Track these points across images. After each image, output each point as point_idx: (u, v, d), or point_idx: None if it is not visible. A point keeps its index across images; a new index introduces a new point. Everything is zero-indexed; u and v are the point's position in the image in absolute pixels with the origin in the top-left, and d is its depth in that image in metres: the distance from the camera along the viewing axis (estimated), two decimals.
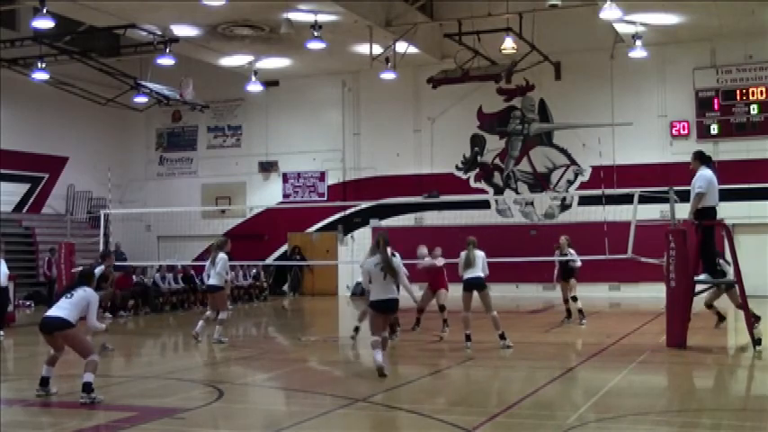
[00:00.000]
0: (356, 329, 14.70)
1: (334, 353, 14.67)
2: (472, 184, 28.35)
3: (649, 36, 24.51)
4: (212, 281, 14.87)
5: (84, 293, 9.58)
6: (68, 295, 9.54)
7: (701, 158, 13.18)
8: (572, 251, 16.56)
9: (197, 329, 14.73)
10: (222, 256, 14.90)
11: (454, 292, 14.56)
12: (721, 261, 13.99)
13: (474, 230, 25.37)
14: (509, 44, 23.36)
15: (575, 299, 16.64)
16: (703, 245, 12.99)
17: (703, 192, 12.72)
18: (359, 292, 27.88)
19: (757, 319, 13.00)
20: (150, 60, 25.60)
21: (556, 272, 16.90)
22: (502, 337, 13.36)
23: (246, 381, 11.39)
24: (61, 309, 9.41)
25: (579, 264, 16.55)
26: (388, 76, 25.63)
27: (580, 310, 16.68)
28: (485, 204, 27.18)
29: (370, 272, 10.88)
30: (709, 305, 15.20)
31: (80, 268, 15.98)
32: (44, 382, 9.55)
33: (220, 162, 31.28)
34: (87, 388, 9.13)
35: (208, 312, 15.09)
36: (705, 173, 12.90)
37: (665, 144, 26.22)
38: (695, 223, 12.88)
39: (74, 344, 9.47)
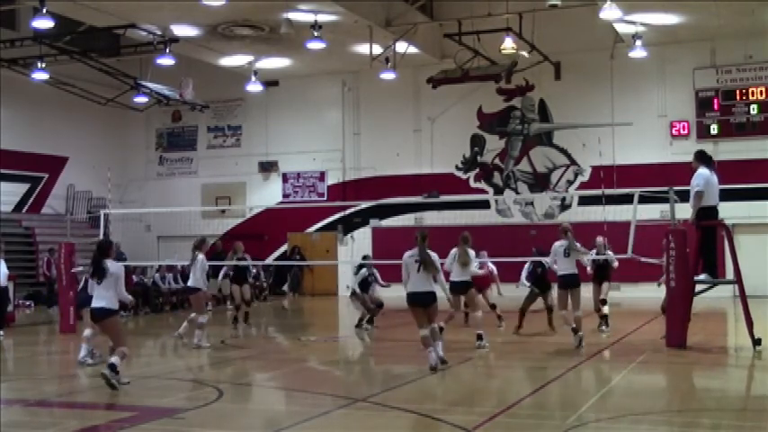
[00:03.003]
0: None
1: (334, 353, 14.67)
2: (472, 184, 28.35)
3: (649, 36, 24.51)
4: (190, 282, 14.68)
5: (110, 272, 10.06)
6: (98, 281, 10.07)
7: (702, 158, 13.19)
8: (610, 252, 16.13)
9: (195, 341, 14.36)
10: (201, 257, 14.67)
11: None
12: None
13: (474, 230, 25.44)
14: (509, 44, 23.36)
15: (603, 302, 16.03)
16: (703, 245, 13.00)
17: (701, 190, 12.73)
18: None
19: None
20: (150, 60, 25.60)
21: (589, 270, 15.80)
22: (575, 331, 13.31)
23: (246, 381, 11.39)
24: (100, 298, 10.06)
25: (616, 264, 15.89)
26: (388, 76, 25.63)
27: (605, 316, 15.98)
28: (485, 204, 27.17)
29: (406, 264, 11.23)
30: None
31: (79, 268, 16.07)
32: (112, 367, 9.88)
33: (220, 162, 31.29)
34: (113, 368, 9.68)
35: (192, 314, 14.86)
36: (703, 172, 12.93)
37: (665, 144, 26.23)
38: (695, 224, 12.89)
39: (111, 331, 10.18)
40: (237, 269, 18.33)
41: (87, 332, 12.16)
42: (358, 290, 16.98)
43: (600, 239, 16.35)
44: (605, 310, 15.99)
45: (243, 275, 18.52)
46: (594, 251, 15.89)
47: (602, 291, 16.04)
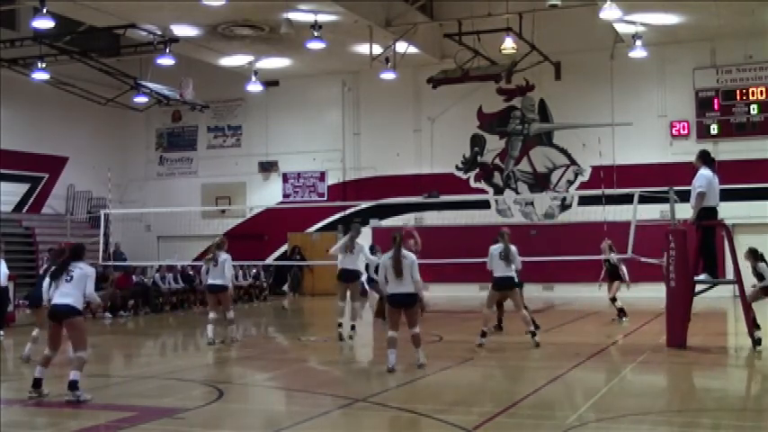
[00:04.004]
0: (352, 327, 14.81)
1: (334, 353, 14.65)
2: (472, 184, 28.35)
3: (649, 36, 24.51)
4: (218, 281, 14.71)
5: (82, 271, 9.63)
6: (68, 278, 9.55)
7: (704, 159, 13.19)
8: (614, 255, 17.04)
9: (210, 335, 14.55)
10: (226, 256, 14.87)
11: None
12: (761, 264, 13.90)
13: (474, 230, 25.49)
14: (509, 44, 23.36)
15: (613, 299, 17.43)
16: (703, 245, 13.00)
17: (704, 191, 12.74)
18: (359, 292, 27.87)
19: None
20: (150, 60, 25.61)
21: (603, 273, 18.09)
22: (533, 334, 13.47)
23: (246, 381, 11.39)
24: (67, 295, 9.47)
25: (624, 269, 17.31)
26: (388, 76, 25.63)
27: (621, 309, 17.44)
28: (485, 204, 27.17)
29: (386, 266, 11.32)
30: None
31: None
32: (37, 383, 9.47)
33: (220, 162, 31.28)
34: (74, 386, 9.19)
35: (211, 314, 14.88)
36: (705, 172, 12.94)
37: (665, 144, 26.23)
38: (696, 224, 12.91)
39: (76, 332, 9.56)
40: None
41: (36, 332, 12.40)
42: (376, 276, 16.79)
43: (605, 243, 16.84)
44: (618, 304, 17.34)
45: None
46: (603, 256, 16.74)
47: (611, 289, 17.49)
